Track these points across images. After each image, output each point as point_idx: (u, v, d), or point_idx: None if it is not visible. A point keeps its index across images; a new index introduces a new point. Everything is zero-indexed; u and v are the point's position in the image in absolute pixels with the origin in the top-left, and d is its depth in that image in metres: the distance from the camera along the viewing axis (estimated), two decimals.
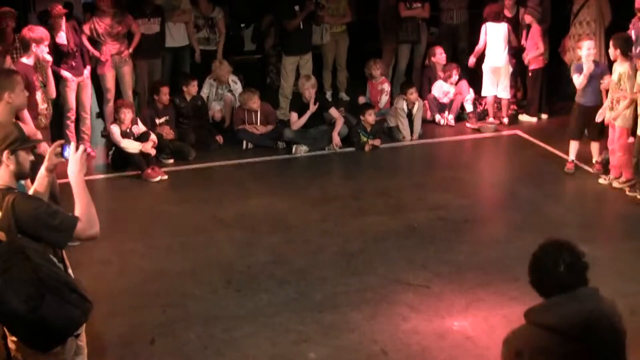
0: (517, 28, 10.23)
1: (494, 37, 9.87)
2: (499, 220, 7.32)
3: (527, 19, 9.87)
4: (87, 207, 3.62)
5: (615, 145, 7.81)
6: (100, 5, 9.24)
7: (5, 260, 3.43)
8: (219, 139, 9.43)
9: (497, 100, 10.27)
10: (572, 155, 8.32)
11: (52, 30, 8.56)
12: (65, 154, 3.75)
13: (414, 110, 9.65)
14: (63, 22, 8.60)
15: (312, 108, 9.27)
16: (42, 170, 3.87)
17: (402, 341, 5.26)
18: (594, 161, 8.28)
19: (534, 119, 10.24)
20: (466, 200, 7.70)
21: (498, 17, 9.90)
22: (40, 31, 7.04)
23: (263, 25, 11.84)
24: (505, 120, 10.15)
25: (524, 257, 6.66)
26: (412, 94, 9.67)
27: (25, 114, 6.43)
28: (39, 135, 6.28)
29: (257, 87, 9.90)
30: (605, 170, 8.13)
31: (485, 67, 10.02)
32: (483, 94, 10.12)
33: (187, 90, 9.36)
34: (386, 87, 10.43)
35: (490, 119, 10.07)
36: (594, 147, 8.26)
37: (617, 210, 7.56)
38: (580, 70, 8.06)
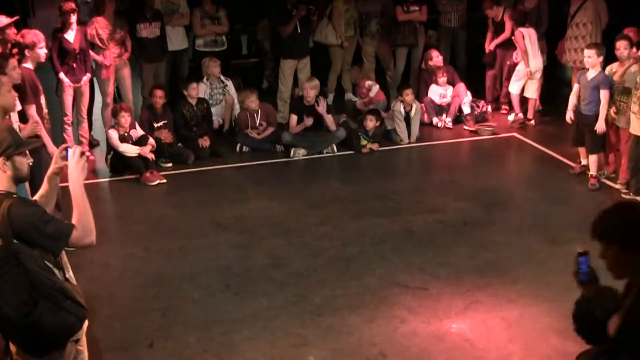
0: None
1: (532, 40, 9.79)
2: (497, 223, 7.33)
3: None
4: (84, 215, 3.59)
5: (622, 148, 7.82)
6: (103, 10, 9.25)
7: None
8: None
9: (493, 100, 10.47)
10: (582, 159, 8.27)
11: (62, 27, 8.62)
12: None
13: (412, 113, 9.67)
14: (74, 20, 8.62)
15: (308, 121, 9.25)
16: (49, 174, 3.87)
17: (401, 344, 5.27)
18: (592, 174, 8.04)
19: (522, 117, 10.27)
20: (464, 203, 7.71)
21: (526, 21, 9.89)
22: (32, 35, 7.05)
23: (260, 28, 11.87)
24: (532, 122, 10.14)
25: (522, 259, 6.74)
26: (408, 95, 9.68)
27: (33, 112, 6.47)
28: (42, 130, 6.35)
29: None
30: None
31: (524, 69, 9.85)
32: (514, 92, 10.02)
33: (188, 94, 9.34)
34: (367, 83, 10.50)
35: (519, 114, 10.06)
36: (592, 159, 8.00)
37: None
38: (578, 79, 8.12)
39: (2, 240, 3.44)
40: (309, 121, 9.22)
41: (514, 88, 10.06)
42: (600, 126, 7.81)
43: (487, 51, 10.63)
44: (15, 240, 3.46)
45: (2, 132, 3.70)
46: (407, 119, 9.69)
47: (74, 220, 3.57)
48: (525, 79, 9.90)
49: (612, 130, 7.96)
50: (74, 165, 3.64)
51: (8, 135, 3.66)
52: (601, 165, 8.16)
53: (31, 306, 3.44)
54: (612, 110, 7.78)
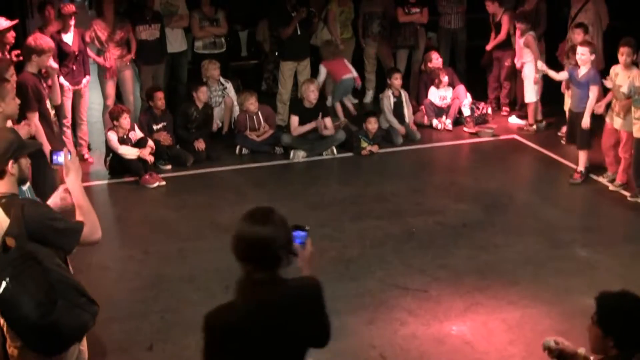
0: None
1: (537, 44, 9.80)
2: (497, 225, 7.32)
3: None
4: (88, 212, 3.67)
5: (620, 150, 7.82)
6: (102, 12, 9.28)
7: (15, 267, 3.43)
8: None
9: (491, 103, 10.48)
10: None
11: (61, 29, 8.62)
12: (59, 159, 3.77)
13: (403, 98, 9.81)
14: (72, 22, 8.61)
15: (312, 124, 9.29)
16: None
17: (401, 346, 5.26)
18: (577, 169, 8.17)
19: (523, 122, 10.19)
20: (464, 205, 7.70)
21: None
22: (44, 41, 7.02)
23: (259, 30, 11.86)
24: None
25: (522, 261, 6.74)
26: (397, 79, 9.81)
27: (37, 121, 6.47)
28: (42, 135, 6.38)
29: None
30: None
31: (534, 74, 9.58)
32: (533, 99, 9.79)
33: (196, 96, 9.31)
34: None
35: (533, 126, 9.91)
36: (581, 156, 8.13)
37: (616, 214, 7.56)
38: (569, 75, 8.12)
39: (16, 241, 3.46)
40: (310, 126, 9.26)
41: (532, 96, 9.77)
42: (584, 122, 7.88)
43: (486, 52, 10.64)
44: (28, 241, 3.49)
45: (10, 135, 3.76)
46: (400, 109, 9.75)
47: (79, 218, 3.65)
48: (539, 83, 9.69)
49: (611, 132, 7.95)
50: (69, 166, 3.72)
51: (15, 138, 3.73)
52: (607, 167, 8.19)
53: (49, 305, 3.44)
54: (614, 111, 7.77)
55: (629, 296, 3.23)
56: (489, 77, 10.77)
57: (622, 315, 3.17)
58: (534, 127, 9.91)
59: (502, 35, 10.25)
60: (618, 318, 3.17)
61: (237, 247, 3.02)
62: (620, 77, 7.62)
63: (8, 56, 7.27)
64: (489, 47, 10.51)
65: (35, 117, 6.47)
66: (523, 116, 10.20)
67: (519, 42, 9.77)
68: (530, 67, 9.71)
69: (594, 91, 7.85)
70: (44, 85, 6.99)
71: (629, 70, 7.52)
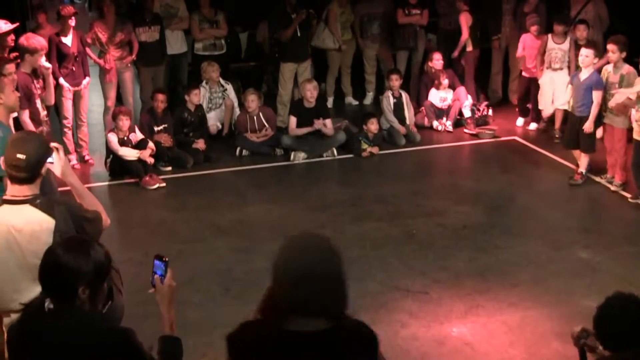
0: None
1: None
2: (497, 226, 7.31)
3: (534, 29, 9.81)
4: (92, 201, 3.85)
5: (615, 147, 7.81)
6: (102, 13, 9.30)
7: None
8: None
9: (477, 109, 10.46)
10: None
11: (60, 31, 8.63)
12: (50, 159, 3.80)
13: (403, 99, 9.86)
14: (72, 24, 8.62)
15: (315, 124, 9.25)
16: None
17: (402, 347, 5.25)
18: (578, 170, 8.14)
19: (526, 122, 10.20)
20: (465, 207, 7.69)
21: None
22: (35, 41, 7.03)
23: (259, 32, 11.85)
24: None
25: (522, 263, 6.72)
26: (397, 80, 9.87)
27: (26, 118, 6.48)
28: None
29: None
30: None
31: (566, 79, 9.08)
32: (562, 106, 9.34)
33: (189, 99, 9.32)
34: None
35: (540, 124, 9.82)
36: (584, 158, 8.10)
37: (617, 215, 7.55)
38: (571, 80, 8.08)
39: (63, 237, 3.54)
40: (317, 124, 9.24)
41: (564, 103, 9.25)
42: (588, 126, 7.82)
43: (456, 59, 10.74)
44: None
45: (42, 138, 3.89)
46: (400, 110, 9.77)
47: (87, 207, 3.80)
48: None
49: (609, 134, 7.94)
50: (64, 162, 3.81)
51: (44, 141, 3.84)
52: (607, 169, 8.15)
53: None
54: (607, 109, 7.76)
55: (616, 300, 3.21)
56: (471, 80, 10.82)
57: (605, 318, 3.16)
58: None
59: (463, 37, 10.46)
60: (602, 321, 3.16)
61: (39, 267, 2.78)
62: (612, 74, 7.68)
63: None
64: (455, 54, 10.59)
65: (24, 115, 6.51)
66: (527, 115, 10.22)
67: (555, 46, 9.39)
68: (566, 72, 9.33)
69: (597, 96, 7.72)
70: (36, 85, 6.99)
71: (621, 67, 7.60)
